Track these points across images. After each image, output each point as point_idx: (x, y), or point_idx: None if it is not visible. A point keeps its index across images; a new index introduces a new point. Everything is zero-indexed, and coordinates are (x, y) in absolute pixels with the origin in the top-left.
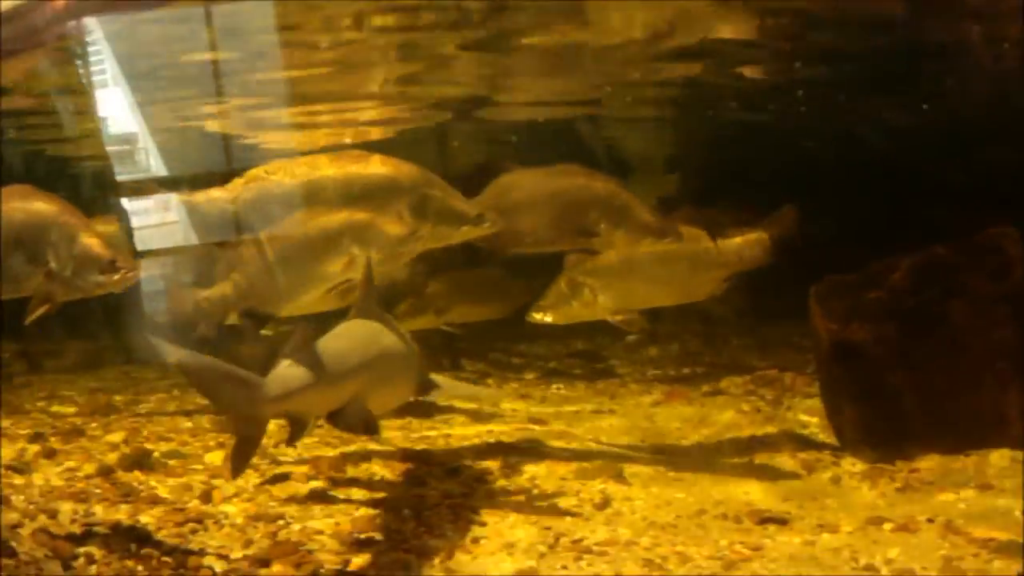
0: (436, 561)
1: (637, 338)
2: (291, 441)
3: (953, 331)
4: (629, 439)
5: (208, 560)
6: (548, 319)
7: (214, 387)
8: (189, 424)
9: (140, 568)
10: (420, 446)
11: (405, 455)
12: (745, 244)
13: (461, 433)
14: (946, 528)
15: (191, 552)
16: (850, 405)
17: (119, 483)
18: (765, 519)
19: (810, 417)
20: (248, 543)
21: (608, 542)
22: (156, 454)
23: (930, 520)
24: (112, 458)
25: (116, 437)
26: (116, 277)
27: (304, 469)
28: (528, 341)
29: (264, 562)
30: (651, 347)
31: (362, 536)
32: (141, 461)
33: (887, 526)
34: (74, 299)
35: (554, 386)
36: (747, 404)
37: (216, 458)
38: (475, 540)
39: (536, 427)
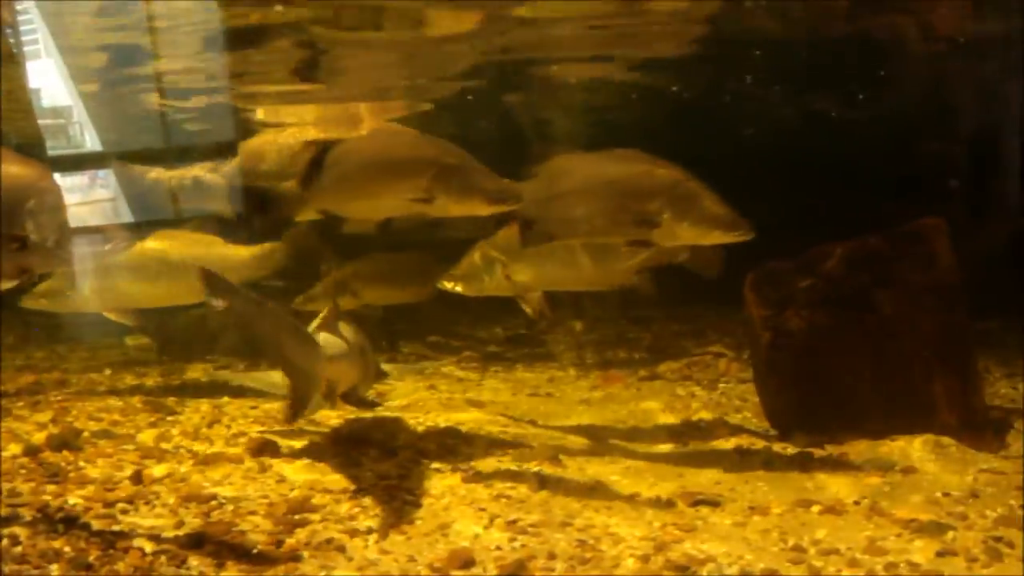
0: (370, 541)
1: (581, 325)
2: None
3: (882, 319)
4: (566, 423)
5: (138, 541)
6: (458, 288)
7: (278, 338)
8: (120, 404)
9: (67, 549)
10: (356, 428)
11: (341, 436)
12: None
13: (398, 414)
14: (871, 510)
15: (121, 533)
16: (782, 390)
17: (46, 463)
18: (698, 501)
19: (743, 402)
20: (180, 523)
21: (542, 523)
22: (86, 434)
23: (856, 503)
24: (39, 438)
25: (44, 417)
26: (106, 248)
27: (238, 450)
28: (468, 325)
29: (197, 542)
30: (589, 332)
31: (296, 516)
32: (69, 441)
33: (815, 508)
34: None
35: (492, 369)
36: (682, 389)
37: (148, 438)
38: (410, 521)
39: (474, 410)
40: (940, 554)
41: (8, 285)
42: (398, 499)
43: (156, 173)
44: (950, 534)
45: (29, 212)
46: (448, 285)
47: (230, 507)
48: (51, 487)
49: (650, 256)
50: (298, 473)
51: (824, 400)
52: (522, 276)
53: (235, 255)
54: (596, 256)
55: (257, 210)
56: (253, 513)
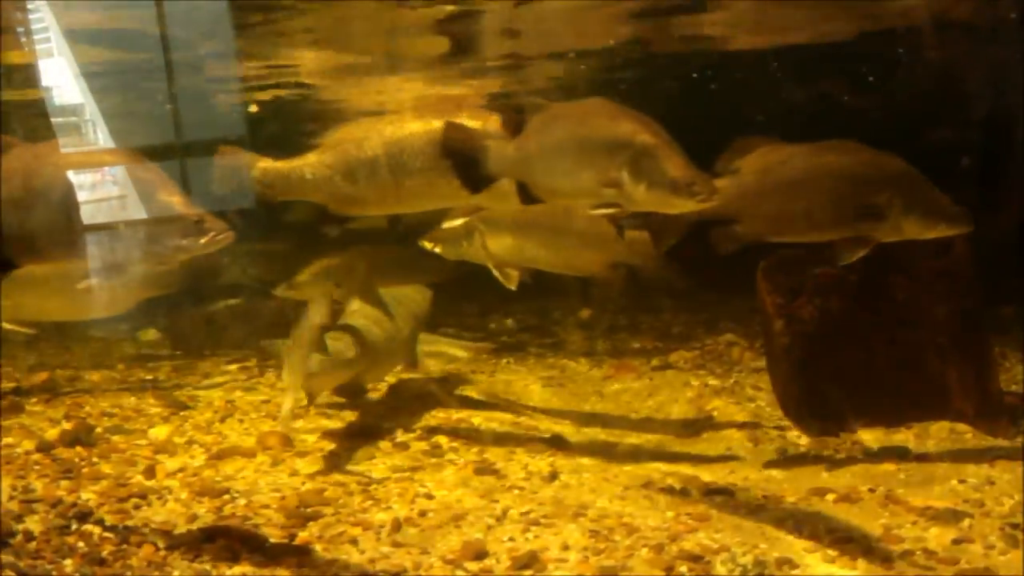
0: (383, 534)
1: (589, 313)
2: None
3: (896, 306)
4: (579, 413)
5: (152, 535)
6: (437, 250)
7: None
8: (133, 400)
9: (81, 544)
10: (368, 420)
11: (354, 429)
12: (630, 242)
13: (409, 408)
14: (886, 498)
15: (134, 528)
16: (795, 379)
17: (60, 459)
18: (711, 491)
19: (757, 391)
20: (193, 518)
21: (555, 514)
22: (99, 430)
23: (871, 490)
24: (53, 434)
25: (57, 413)
26: (203, 240)
27: (251, 444)
28: (479, 316)
29: (209, 536)
30: (601, 322)
31: (308, 510)
32: (83, 437)
33: (830, 496)
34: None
35: (504, 360)
36: (695, 378)
37: (160, 433)
38: (422, 513)
39: (485, 400)
40: (956, 541)
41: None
42: (411, 491)
43: (265, 163)
44: (966, 521)
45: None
46: (428, 245)
47: (243, 501)
48: (65, 483)
49: (619, 256)
50: (311, 467)
51: (838, 388)
52: (499, 248)
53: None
54: (577, 241)
55: (465, 170)
56: (266, 507)
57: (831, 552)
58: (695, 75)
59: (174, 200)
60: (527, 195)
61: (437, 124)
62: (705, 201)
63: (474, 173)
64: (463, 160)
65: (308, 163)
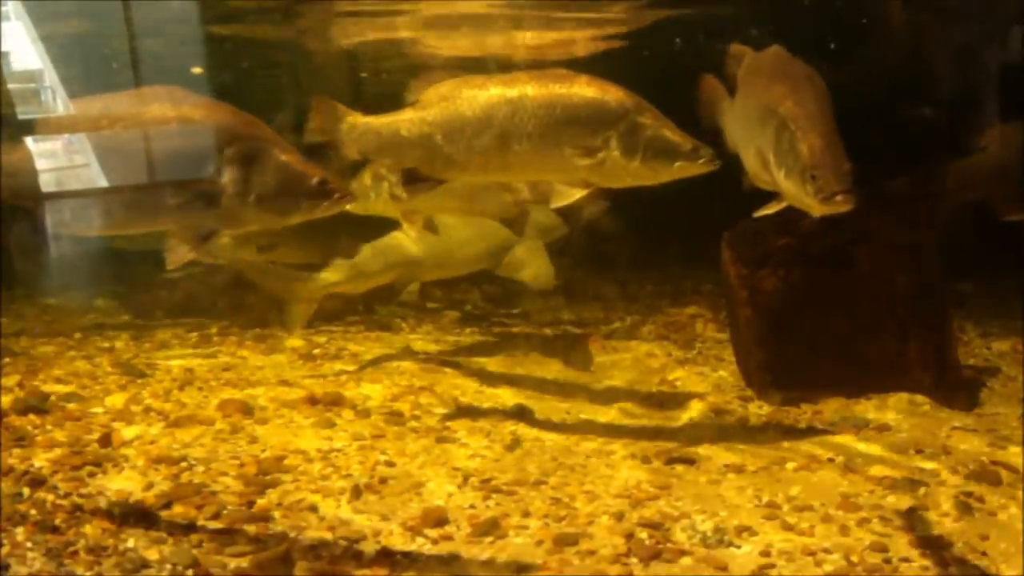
0: (343, 501)
1: (554, 285)
2: None
3: (858, 278)
4: (541, 382)
5: (106, 503)
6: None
7: None
8: (89, 367)
9: (33, 512)
10: (330, 388)
11: (314, 397)
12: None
13: (372, 376)
14: (845, 467)
15: (88, 496)
16: (758, 349)
17: (12, 427)
18: (673, 459)
19: (720, 362)
20: (149, 485)
21: (517, 482)
22: (53, 398)
23: (831, 460)
24: (5, 401)
25: (10, 381)
26: (327, 203)
27: (209, 412)
28: (445, 287)
29: (165, 503)
30: (565, 294)
31: (267, 477)
32: (36, 405)
33: (790, 465)
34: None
35: (468, 330)
36: (659, 348)
37: (117, 401)
38: (383, 480)
39: (448, 371)
40: (912, 509)
41: (182, 258)
42: (371, 459)
43: (355, 117)
44: (922, 490)
45: (228, 161)
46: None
47: (201, 468)
48: (17, 451)
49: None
50: (270, 434)
51: (800, 359)
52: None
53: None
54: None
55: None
56: (224, 474)
57: (790, 520)
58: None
59: (296, 162)
60: None
61: (555, 88)
62: (709, 165)
63: None
64: None
65: (405, 119)
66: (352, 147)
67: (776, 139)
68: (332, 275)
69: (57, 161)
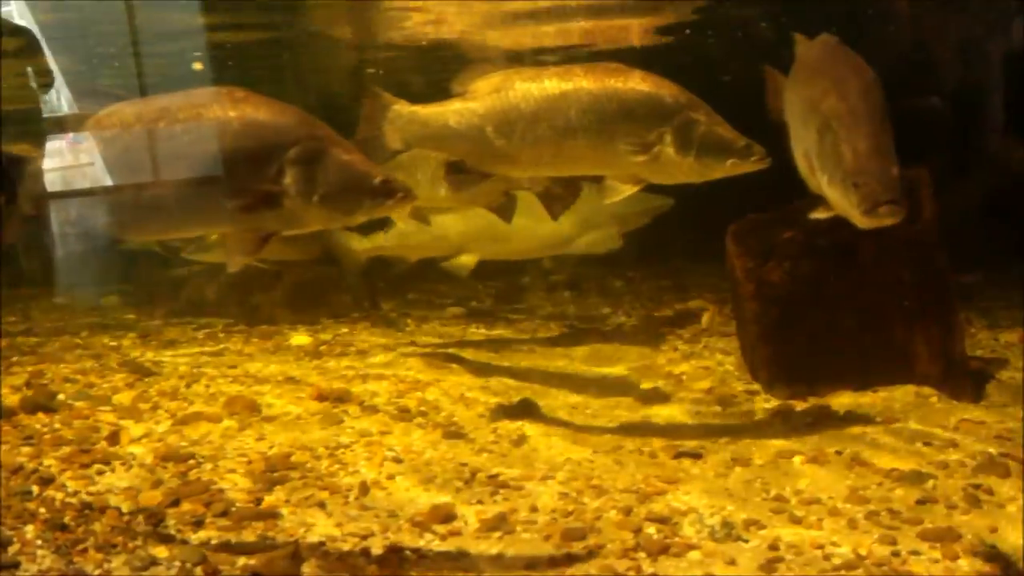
0: (351, 497)
1: (559, 279)
2: None
3: (864, 271)
4: (547, 377)
5: (115, 501)
6: None
7: None
8: (97, 365)
9: (43, 510)
10: (336, 385)
11: (321, 393)
12: None
13: (379, 372)
14: (853, 460)
15: (97, 494)
16: (764, 343)
17: (21, 426)
18: (680, 453)
19: (726, 355)
20: (158, 483)
21: (524, 477)
22: (61, 396)
23: (838, 453)
24: (14, 400)
25: (18, 380)
26: (390, 202)
27: (217, 409)
28: (449, 283)
29: (173, 501)
30: (571, 289)
31: (275, 474)
32: (45, 403)
33: (797, 459)
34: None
35: (474, 326)
36: (665, 342)
37: (124, 399)
38: (390, 477)
39: (454, 366)
40: (920, 502)
41: (243, 261)
42: (379, 455)
43: (401, 106)
44: (930, 482)
45: (291, 161)
46: None
47: (208, 466)
48: (26, 449)
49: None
50: (278, 431)
51: (806, 352)
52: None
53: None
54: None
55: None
56: (232, 472)
57: (798, 513)
58: None
59: (359, 161)
60: None
61: (611, 82)
62: (760, 163)
63: None
64: None
65: (454, 110)
66: (395, 136)
67: (819, 140)
68: (384, 240)
69: (109, 161)
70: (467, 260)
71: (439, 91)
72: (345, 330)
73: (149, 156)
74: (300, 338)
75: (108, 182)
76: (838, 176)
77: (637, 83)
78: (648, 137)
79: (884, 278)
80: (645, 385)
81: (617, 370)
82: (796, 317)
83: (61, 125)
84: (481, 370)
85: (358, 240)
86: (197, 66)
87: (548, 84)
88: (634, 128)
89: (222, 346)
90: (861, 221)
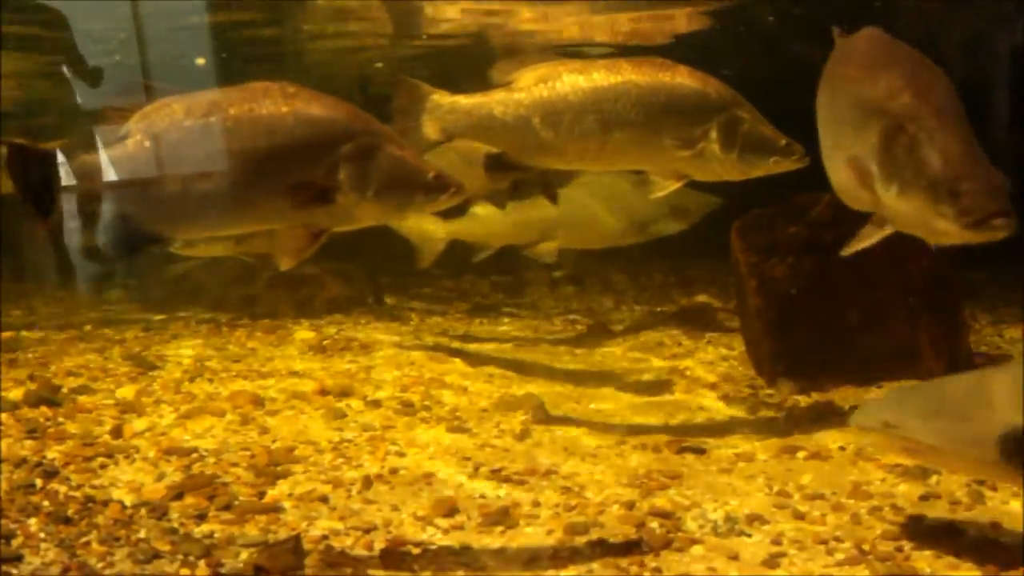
0: (354, 491)
1: (562, 274)
2: None
3: (868, 266)
4: (551, 372)
5: (118, 494)
6: None
7: None
8: (100, 360)
9: (46, 503)
10: (340, 380)
11: (325, 388)
12: None
13: (383, 366)
14: (856, 455)
15: (100, 487)
16: (768, 338)
17: (24, 419)
18: (683, 448)
19: (730, 350)
20: (161, 476)
21: (527, 471)
22: (64, 390)
23: (841, 448)
24: (17, 394)
25: (21, 373)
26: (443, 197)
27: (220, 403)
28: (454, 278)
29: (177, 494)
30: (575, 284)
31: (278, 468)
32: (48, 397)
33: (800, 454)
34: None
35: (477, 321)
36: (668, 337)
37: (128, 393)
38: (393, 471)
39: (458, 361)
40: (924, 497)
41: (296, 259)
42: (382, 450)
43: (441, 96)
44: (934, 478)
45: (345, 157)
46: None
47: (212, 460)
48: (29, 443)
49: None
50: (281, 425)
51: (810, 347)
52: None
53: None
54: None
55: None
56: (235, 465)
57: (801, 508)
58: None
59: (411, 156)
60: None
61: (659, 76)
62: (800, 161)
63: None
64: None
65: (499, 100)
66: (435, 126)
67: (885, 145)
68: (462, 226)
69: (158, 156)
70: (549, 246)
71: (445, 83)
72: (349, 325)
73: (200, 151)
74: (304, 332)
75: (156, 178)
76: (921, 184)
77: (684, 78)
78: (694, 133)
79: (889, 273)
80: (648, 379)
81: (621, 365)
82: (800, 312)
83: (106, 119)
84: (485, 365)
85: (435, 225)
86: (200, 61)
87: (597, 76)
88: (680, 123)
89: (225, 340)
90: (958, 235)
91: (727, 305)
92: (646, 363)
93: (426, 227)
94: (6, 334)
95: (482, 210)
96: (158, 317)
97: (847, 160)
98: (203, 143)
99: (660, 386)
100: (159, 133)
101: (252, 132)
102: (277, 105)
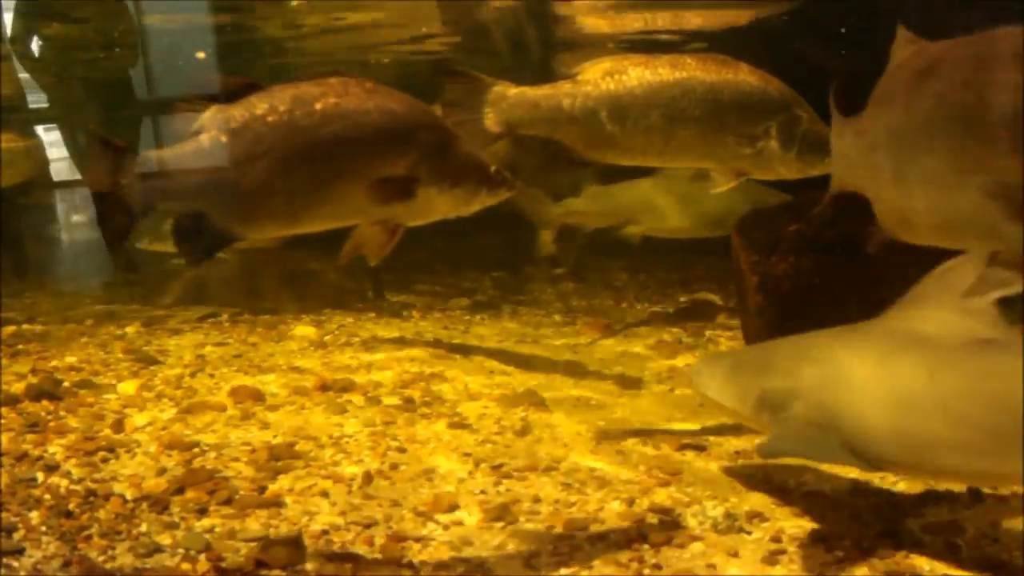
0: (354, 486)
1: (563, 271)
2: None
3: (870, 265)
4: (552, 369)
5: (119, 487)
6: None
7: None
8: (102, 354)
9: (47, 497)
10: (340, 375)
11: (325, 383)
12: None
13: (383, 362)
14: None
15: (102, 480)
16: (769, 336)
17: (25, 413)
18: (684, 445)
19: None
20: (162, 471)
21: (527, 467)
22: (66, 384)
23: None
24: (18, 388)
25: (23, 367)
26: (503, 192)
27: (221, 398)
28: (455, 274)
29: (178, 489)
30: (576, 280)
31: (279, 463)
32: (49, 391)
33: None
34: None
35: (478, 317)
36: (669, 336)
37: (129, 387)
38: (394, 466)
39: (458, 357)
40: (924, 496)
41: (378, 258)
42: (382, 445)
43: (505, 87)
44: None
45: (424, 153)
46: None
47: (212, 454)
48: (31, 436)
49: None
50: (282, 420)
51: None
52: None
53: None
54: None
55: None
56: (236, 460)
57: (801, 505)
58: None
59: (474, 152)
60: None
61: (723, 73)
62: None
63: None
64: None
65: (566, 92)
66: (498, 119)
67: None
68: (578, 204)
69: (236, 150)
70: (635, 230)
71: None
72: (350, 320)
73: (283, 147)
74: (305, 328)
75: (233, 175)
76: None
77: (747, 76)
78: (755, 130)
79: (890, 272)
80: (649, 376)
81: (622, 361)
82: (801, 310)
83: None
84: (485, 361)
85: (552, 204)
86: (200, 55)
87: (663, 71)
88: (743, 120)
89: (226, 335)
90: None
91: (728, 303)
92: (647, 360)
93: (545, 206)
94: (7, 329)
95: (589, 191)
96: (159, 312)
97: (985, 186)
98: (287, 138)
99: (661, 383)
100: (238, 128)
101: (340, 127)
102: (361, 100)
